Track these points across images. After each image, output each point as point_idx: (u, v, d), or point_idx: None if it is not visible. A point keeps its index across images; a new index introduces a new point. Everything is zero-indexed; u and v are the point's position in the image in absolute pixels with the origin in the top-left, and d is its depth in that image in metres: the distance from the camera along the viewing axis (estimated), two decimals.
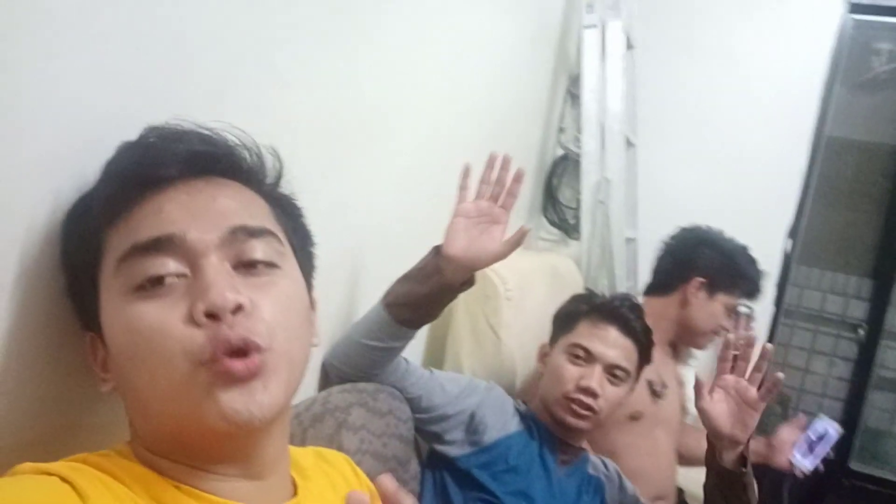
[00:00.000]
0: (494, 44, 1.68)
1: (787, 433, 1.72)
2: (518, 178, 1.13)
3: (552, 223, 2.34)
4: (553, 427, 1.29)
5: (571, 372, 1.27)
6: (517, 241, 1.10)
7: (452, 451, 1.22)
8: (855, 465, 2.52)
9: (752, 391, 1.12)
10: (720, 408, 1.13)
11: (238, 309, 0.53)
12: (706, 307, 1.73)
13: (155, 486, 0.54)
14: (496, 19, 1.67)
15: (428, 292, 1.09)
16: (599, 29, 2.04)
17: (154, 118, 0.61)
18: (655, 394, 1.67)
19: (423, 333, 1.53)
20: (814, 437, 1.69)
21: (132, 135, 0.61)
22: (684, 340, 1.78)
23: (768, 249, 2.36)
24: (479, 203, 1.12)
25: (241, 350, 0.53)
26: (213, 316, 0.53)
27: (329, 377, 1.15)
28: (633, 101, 2.26)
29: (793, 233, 2.36)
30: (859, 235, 2.60)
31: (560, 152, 2.31)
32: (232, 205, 0.59)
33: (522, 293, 1.55)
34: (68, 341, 0.63)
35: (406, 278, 1.11)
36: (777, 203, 2.36)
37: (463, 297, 1.51)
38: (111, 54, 0.65)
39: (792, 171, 2.35)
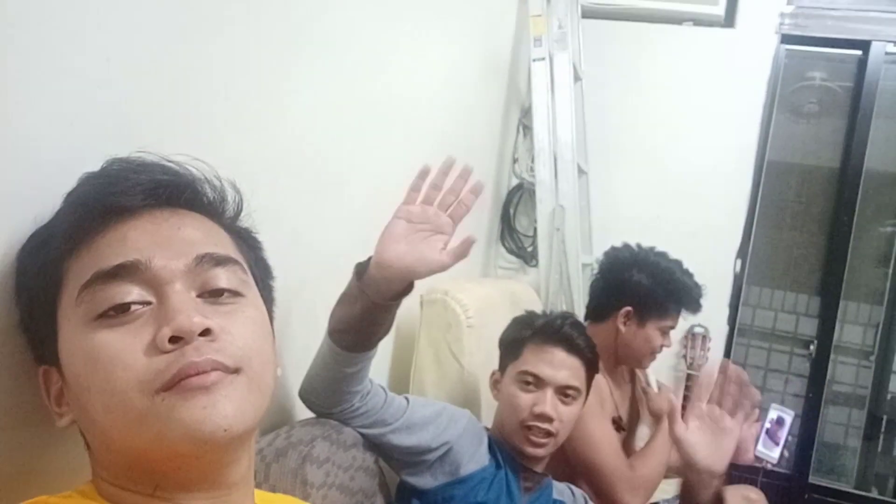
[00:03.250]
0: (447, 78, 1.72)
1: (744, 429, 1.69)
2: (475, 190, 1.06)
3: (510, 251, 2.37)
4: (515, 454, 1.29)
5: (524, 399, 1.27)
6: (462, 253, 1.02)
7: (425, 482, 1.20)
8: (814, 479, 2.57)
9: (727, 418, 1.08)
10: (696, 437, 1.07)
11: (206, 333, 0.53)
12: (639, 334, 1.69)
13: None
14: (448, 54, 1.71)
15: (360, 313, 1.01)
16: (547, 62, 2.10)
17: (108, 153, 0.61)
18: (622, 429, 1.69)
19: (386, 363, 1.52)
20: (770, 426, 1.69)
21: (87, 168, 0.60)
22: (627, 363, 1.77)
23: (720, 270, 2.43)
24: (425, 208, 1.03)
25: (203, 372, 0.52)
26: (178, 340, 0.52)
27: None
28: (583, 131, 2.32)
29: (742, 254, 2.44)
30: (805, 254, 2.69)
31: (515, 182, 2.36)
32: (196, 234, 0.59)
33: (484, 321, 1.56)
34: (21, 383, 0.62)
35: (339, 303, 1.05)
36: (726, 225, 2.44)
37: (425, 326, 1.52)
38: (67, 91, 0.65)
39: (738, 194, 2.44)
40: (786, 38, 2.46)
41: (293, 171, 1.10)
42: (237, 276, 0.59)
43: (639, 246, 1.80)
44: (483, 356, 1.54)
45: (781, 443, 1.68)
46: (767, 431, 1.69)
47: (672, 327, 1.74)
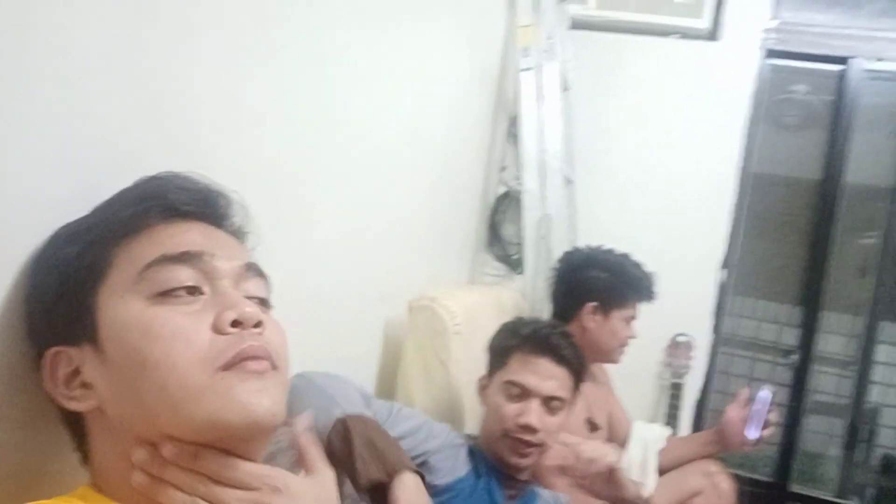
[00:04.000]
0: (435, 87, 1.74)
1: (734, 412, 1.70)
2: None
3: (497, 258, 2.38)
4: (499, 463, 1.28)
5: (509, 409, 1.26)
6: None
7: None
8: (795, 488, 2.59)
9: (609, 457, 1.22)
10: (583, 488, 1.21)
11: (258, 325, 0.58)
12: (605, 327, 1.77)
13: None
14: (436, 63, 1.72)
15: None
16: (536, 71, 2.12)
17: (86, 164, 0.64)
18: (595, 428, 1.74)
19: (373, 370, 1.53)
20: (759, 407, 1.68)
21: (83, 183, 0.63)
22: (598, 360, 1.82)
23: (704, 280, 2.46)
24: None
25: (260, 357, 0.57)
26: (238, 325, 0.57)
27: None
28: (570, 140, 2.34)
29: (727, 263, 2.47)
30: (787, 265, 2.73)
31: (502, 190, 2.37)
32: (240, 245, 0.67)
33: (471, 327, 1.57)
34: (21, 382, 0.62)
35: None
36: (710, 236, 2.46)
37: (413, 333, 1.53)
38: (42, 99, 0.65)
39: (722, 205, 2.47)
40: (770, 53, 2.50)
41: (278, 186, 1.09)
42: (267, 290, 0.66)
43: (588, 246, 1.91)
44: (470, 363, 1.55)
45: (761, 422, 1.67)
46: (756, 414, 1.68)
47: (633, 317, 1.81)
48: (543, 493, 1.35)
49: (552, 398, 1.27)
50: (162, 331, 0.55)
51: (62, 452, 0.64)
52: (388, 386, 1.55)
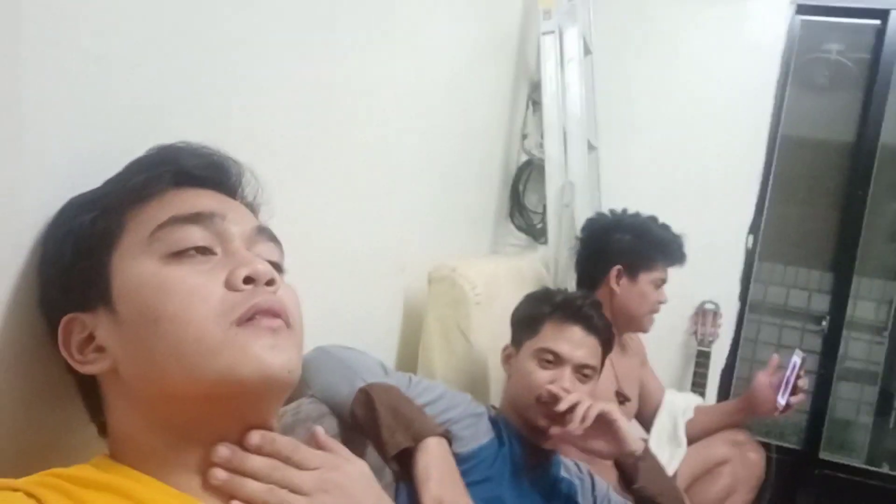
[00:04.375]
0: (455, 54, 1.70)
1: (764, 377, 1.69)
2: None
3: (520, 228, 2.36)
4: (523, 430, 1.28)
5: (542, 376, 1.27)
6: None
7: None
8: (824, 455, 2.57)
9: (593, 409, 1.18)
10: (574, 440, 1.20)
11: (270, 283, 0.58)
12: (633, 291, 1.74)
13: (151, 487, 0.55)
14: (455, 29, 1.69)
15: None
16: (557, 35, 2.07)
17: (110, 133, 0.63)
18: (624, 400, 1.73)
19: (395, 340, 1.53)
20: (789, 373, 1.66)
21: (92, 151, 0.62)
22: (629, 328, 1.79)
23: (732, 246, 2.41)
24: None
25: (275, 313, 0.58)
26: (250, 282, 0.57)
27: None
28: (592, 106, 2.29)
29: (754, 229, 2.42)
30: (818, 230, 2.66)
31: (524, 158, 2.34)
32: (251, 213, 0.66)
33: (491, 297, 1.56)
34: (36, 359, 0.63)
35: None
36: (738, 201, 2.42)
37: (433, 304, 1.53)
38: (71, 73, 0.65)
39: (750, 169, 2.41)
40: (801, 9, 2.41)
41: (292, 150, 1.08)
42: (280, 253, 0.65)
43: (612, 211, 1.87)
44: (491, 333, 1.55)
45: (790, 388, 1.64)
46: (787, 380, 1.65)
47: (663, 280, 1.77)
48: (566, 461, 1.35)
49: (584, 366, 1.28)
50: (176, 287, 0.55)
51: (77, 427, 0.65)
52: (409, 356, 1.55)
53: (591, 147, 2.23)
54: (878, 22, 2.41)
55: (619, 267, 1.74)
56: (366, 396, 0.99)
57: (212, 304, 0.55)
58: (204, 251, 0.58)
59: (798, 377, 1.65)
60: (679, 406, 1.93)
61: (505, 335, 1.40)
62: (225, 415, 0.57)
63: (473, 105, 1.89)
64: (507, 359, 1.38)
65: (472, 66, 1.84)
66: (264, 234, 0.64)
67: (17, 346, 0.62)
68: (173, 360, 0.55)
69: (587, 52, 2.21)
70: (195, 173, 0.63)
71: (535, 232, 2.34)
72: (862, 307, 2.63)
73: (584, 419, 1.15)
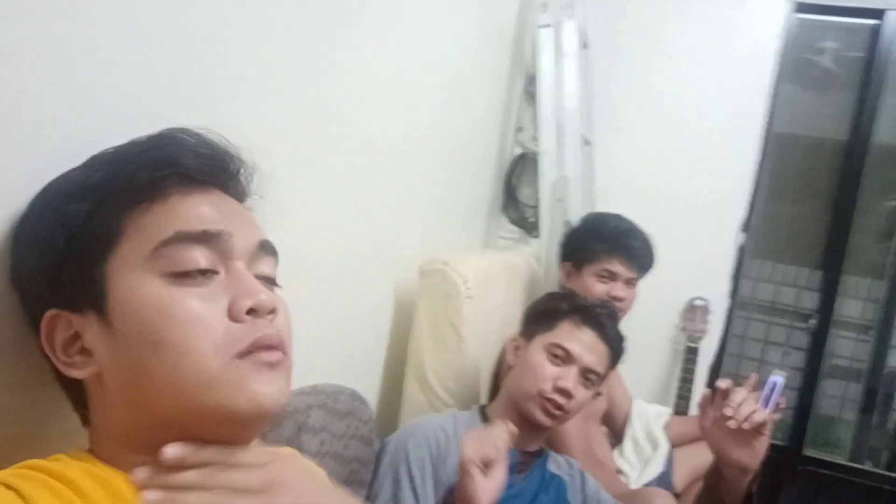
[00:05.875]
0: (450, 45, 1.69)
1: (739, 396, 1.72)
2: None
3: (512, 221, 2.36)
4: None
5: (550, 371, 1.28)
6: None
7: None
8: (808, 452, 2.59)
9: (760, 414, 1.08)
10: (724, 430, 1.08)
11: (272, 312, 0.58)
12: (577, 285, 1.76)
13: (112, 482, 0.54)
14: (450, 20, 1.67)
15: None
16: (554, 28, 2.06)
17: (113, 121, 0.62)
18: (597, 394, 1.73)
19: (385, 334, 1.53)
20: (767, 392, 1.68)
21: (98, 133, 0.61)
22: None
23: (723, 242, 2.42)
24: (485, 443, 0.99)
25: (275, 347, 0.57)
26: (252, 312, 0.57)
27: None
28: (588, 100, 2.29)
29: (746, 226, 2.42)
30: (808, 228, 2.68)
31: (518, 151, 2.33)
32: (252, 220, 0.64)
33: (482, 291, 1.56)
34: (17, 345, 0.61)
35: None
36: (730, 197, 2.42)
37: (424, 297, 1.52)
38: (73, 58, 0.64)
39: (744, 166, 2.41)
40: (799, 7, 2.40)
41: (286, 144, 1.07)
42: (275, 267, 0.65)
43: (590, 213, 1.94)
44: (482, 327, 1.55)
45: (773, 406, 1.66)
46: (765, 399, 1.67)
47: (608, 271, 1.75)
48: (556, 457, 1.36)
49: (590, 370, 1.30)
50: (180, 314, 0.54)
51: (60, 415, 0.64)
52: (399, 349, 1.55)
53: (585, 142, 2.22)
54: (874, 21, 2.41)
55: (568, 262, 1.80)
56: None
57: (214, 335, 0.55)
58: (206, 272, 0.57)
59: (778, 397, 1.67)
60: (650, 413, 1.96)
61: (497, 329, 1.41)
62: (206, 435, 0.56)
63: (468, 97, 1.88)
64: (515, 350, 1.39)
65: (467, 57, 1.83)
66: (265, 248, 0.63)
67: None
68: (168, 385, 0.54)
69: (584, 45, 2.20)
70: (200, 177, 0.61)
71: (528, 226, 2.34)
72: (849, 305, 2.65)
73: (748, 419, 1.08)
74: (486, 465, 0.96)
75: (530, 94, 2.24)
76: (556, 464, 1.34)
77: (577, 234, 1.83)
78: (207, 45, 0.85)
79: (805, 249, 2.68)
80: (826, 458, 2.60)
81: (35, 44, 0.61)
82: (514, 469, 1.26)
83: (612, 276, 1.75)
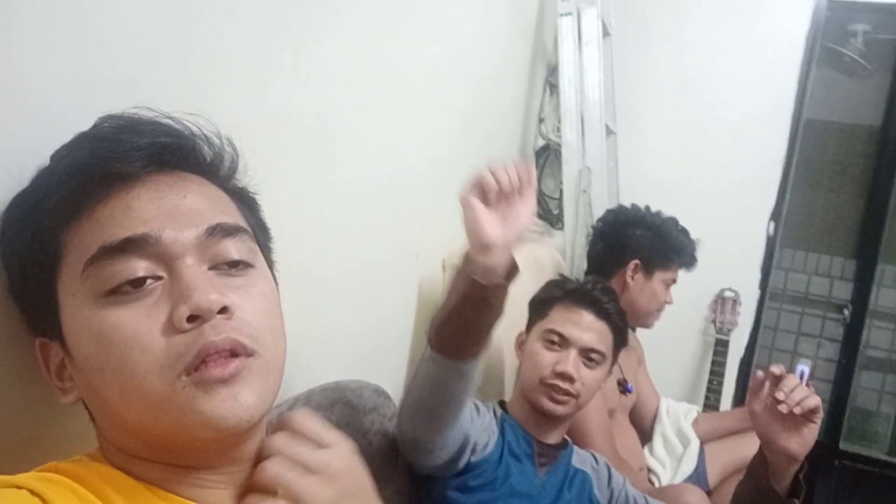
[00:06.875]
0: (470, 36, 1.66)
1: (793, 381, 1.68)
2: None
3: (536, 214, 2.33)
4: (530, 424, 1.27)
5: (547, 357, 1.27)
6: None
7: (436, 473, 1.17)
8: (845, 446, 2.53)
9: (813, 400, 1.02)
10: (774, 415, 1.04)
11: (223, 311, 0.51)
12: (646, 288, 1.76)
13: (132, 491, 0.52)
14: (470, 11, 1.65)
15: (473, 300, 0.97)
16: (575, 17, 2.03)
17: (105, 109, 0.58)
18: (625, 391, 1.75)
19: (409, 327, 1.51)
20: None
21: (74, 129, 0.57)
22: (634, 323, 1.80)
23: (752, 233, 2.37)
24: (499, 180, 0.98)
25: (229, 352, 0.51)
26: (195, 318, 0.50)
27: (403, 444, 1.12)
28: (611, 89, 2.25)
29: (776, 216, 2.37)
30: (841, 216, 2.61)
31: (541, 142, 2.30)
32: (202, 202, 0.56)
33: None
34: (19, 351, 0.60)
35: (443, 306, 1.03)
36: (759, 186, 2.36)
37: None
38: (63, 41, 0.63)
39: (773, 154, 2.36)
40: None
41: (302, 135, 1.06)
42: (246, 245, 0.57)
43: (634, 206, 1.87)
44: (507, 320, 1.51)
45: None
46: None
47: (674, 280, 1.80)
48: (581, 452, 1.33)
49: (590, 350, 1.27)
50: (113, 336, 0.50)
51: (63, 416, 0.63)
52: (423, 343, 1.53)
53: (609, 132, 2.19)
54: None
55: (636, 261, 1.75)
56: None
57: (153, 354, 0.49)
58: (141, 282, 0.51)
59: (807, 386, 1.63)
60: (679, 410, 1.93)
61: (520, 322, 1.38)
62: (195, 451, 0.53)
63: (491, 88, 1.85)
64: (520, 345, 1.38)
65: (489, 48, 1.81)
66: (220, 230, 0.55)
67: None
68: (125, 411, 0.51)
69: (606, 33, 2.16)
70: (127, 170, 0.53)
71: (552, 218, 2.31)
72: (885, 295, 2.58)
73: (800, 404, 1.02)
74: (493, 201, 0.96)
75: (552, 84, 2.21)
76: (580, 459, 1.32)
77: (652, 238, 1.76)
78: (227, 37, 0.83)
79: (838, 238, 2.61)
80: (863, 453, 2.54)
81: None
82: (534, 461, 1.25)
83: (673, 283, 1.81)
